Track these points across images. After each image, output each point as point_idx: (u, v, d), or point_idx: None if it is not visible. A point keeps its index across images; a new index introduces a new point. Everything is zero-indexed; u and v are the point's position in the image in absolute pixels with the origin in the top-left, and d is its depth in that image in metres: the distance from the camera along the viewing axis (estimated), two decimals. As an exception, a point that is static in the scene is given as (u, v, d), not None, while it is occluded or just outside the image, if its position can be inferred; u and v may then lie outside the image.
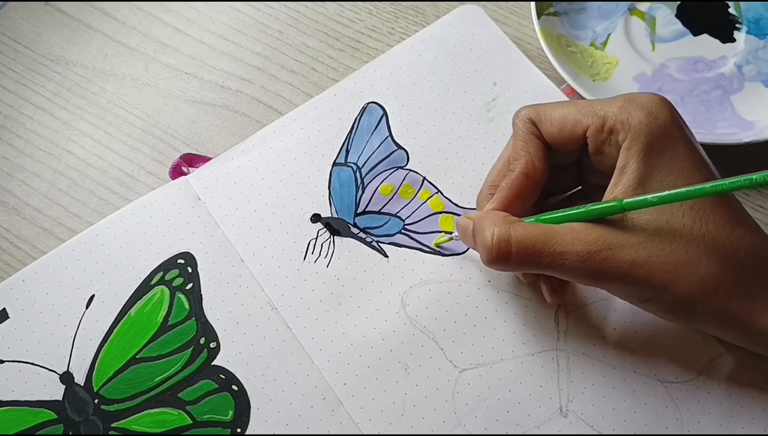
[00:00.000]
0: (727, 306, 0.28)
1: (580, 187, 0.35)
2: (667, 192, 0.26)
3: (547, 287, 0.32)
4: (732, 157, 0.39)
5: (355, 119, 0.40)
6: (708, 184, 0.26)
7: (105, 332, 0.34)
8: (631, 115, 0.29)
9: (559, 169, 0.33)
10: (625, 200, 0.27)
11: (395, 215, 0.38)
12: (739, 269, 0.28)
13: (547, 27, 0.42)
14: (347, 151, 0.39)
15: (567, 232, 0.29)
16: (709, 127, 0.40)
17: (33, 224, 0.38)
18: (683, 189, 0.26)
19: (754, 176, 0.24)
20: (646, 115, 0.29)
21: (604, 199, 0.29)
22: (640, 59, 0.43)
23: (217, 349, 0.34)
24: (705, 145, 0.36)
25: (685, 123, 0.30)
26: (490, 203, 0.32)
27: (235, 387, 0.33)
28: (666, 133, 0.29)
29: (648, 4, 0.44)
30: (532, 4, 0.42)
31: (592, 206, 0.29)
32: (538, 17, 0.41)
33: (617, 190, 0.29)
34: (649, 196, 0.27)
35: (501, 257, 0.29)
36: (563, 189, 0.35)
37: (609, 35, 0.44)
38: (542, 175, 0.32)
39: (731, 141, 0.38)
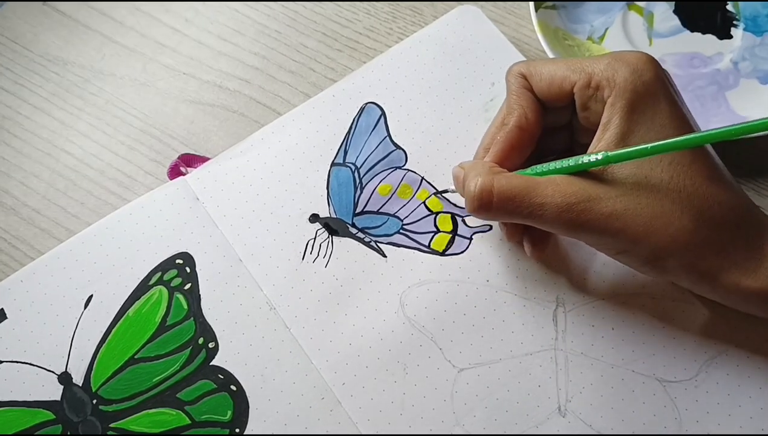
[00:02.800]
0: (698, 261, 0.29)
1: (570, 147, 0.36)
2: (649, 144, 0.27)
3: (528, 241, 0.34)
4: (724, 152, 0.39)
5: (354, 119, 0.40)
6: (683, 137, 0.27)
7: (103, 332, 0.34)
8: (616, 72, 0.30)
9: (552, 130, 0.34)
10: (610, 153, 0.28)
11: (393, 215, 0.38)
12: (712, 225, 0.29)
13: (545, 20, 0.42)
14: (345, 152, 0.39)
15: (548, 184, 0.30)
16: (703, 122, 0.40)
17: (31, 225, 0.38)
18: (663, 142, 0.27)
19: (732, 128, 0.25)
20: (632, 72, 0.29)
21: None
22: None
23: (216, 349, 0.34)
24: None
25: (671, 81, 0.31)
26: (487, 156, 0.33)
27: (233, 387, 0.33)
28: (650, 90, 0.29)
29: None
30: (531, -3, 0.42)
31: (578, 159, 0.30)
32: (536, 10, 0.41)
33: (600, 145, 0.30)
34: (631, 149, 0.28)
35: (483, 205, 0.30)
36: (557, 151, 0.35)
37: (606, 29, 0.44)
38: (536, 127, 0.33)
39: None
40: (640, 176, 0.29)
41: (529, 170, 0.32)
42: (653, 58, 0.30)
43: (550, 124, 0.33)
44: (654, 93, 0.29)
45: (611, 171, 0.29)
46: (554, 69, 0.32)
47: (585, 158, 0.29)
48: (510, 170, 0.32)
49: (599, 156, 0.29)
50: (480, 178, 0.31)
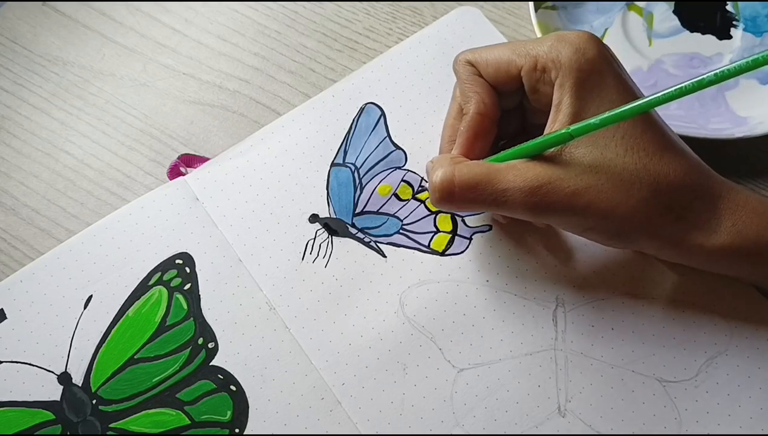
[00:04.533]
0: (661, 227, 0.29)
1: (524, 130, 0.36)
2: (607, 113, 0.27)
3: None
4: (724, 152, 0.39)
5: (353, 120, 0.40)
6: (642, 101, 0.27)
7: (103, 332, 0.34)
8: (560, 53, 0.30)
9: (504, 114, 0.34)
10: (572, 127, 0.28)
11: (393, 215, 0.38)
12: (670, 192, 0.29)
13: (545, 20, 0.42)
14: (345, 152, 0.39)
15: (509, 169, 0.30)
16: (703, 123, 0.40)
17: (30, 225, 0.38)
18: (620, 109, 0.27)
19: (684, 85, 0.25)
20: (575, 51, 0.30)
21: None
22: (637, 54, 0.43)
23: (216, 349, 0.34)
24: (697, 140, 0.36)
25: (614, 57, 0.31)
26: (454, 149, 0.33)
27: (233, 387, 0.33)
28: (594, 67, 0.30)
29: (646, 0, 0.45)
30: (530, -1, 0.42)
31: (541, 139, 0.30)
32: (536, 10, 0.42)
33: (555, 126, 0.30)
34: (592, 120, 0.28)
35: (445, 196, 0.31)
36: (511, 134, 0.36)
37: (606, 30, 0.44)
38: (495, 110, 0.33)
39: (723, 136, 0.38)
40: (596, 154, 0.29)
41: (491, 157, 0.32)
42: (594, 36, 0.31)
43: (501, 109, 0.34)
44: (599, 70, 0.30)
45: (568, 151, 0.30)
46: (499, 54, 0.32)
47: (551, 136, 0.29)
48: (478, 159, 0.32)
49: (561, 131, 0.29)
50: (441, 169, 0.31)
